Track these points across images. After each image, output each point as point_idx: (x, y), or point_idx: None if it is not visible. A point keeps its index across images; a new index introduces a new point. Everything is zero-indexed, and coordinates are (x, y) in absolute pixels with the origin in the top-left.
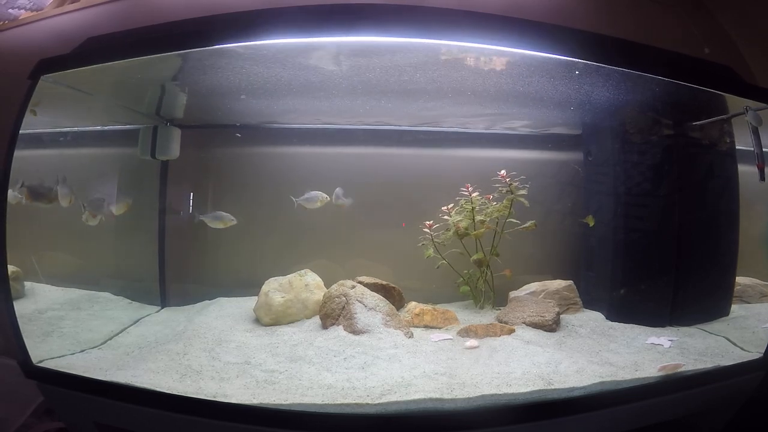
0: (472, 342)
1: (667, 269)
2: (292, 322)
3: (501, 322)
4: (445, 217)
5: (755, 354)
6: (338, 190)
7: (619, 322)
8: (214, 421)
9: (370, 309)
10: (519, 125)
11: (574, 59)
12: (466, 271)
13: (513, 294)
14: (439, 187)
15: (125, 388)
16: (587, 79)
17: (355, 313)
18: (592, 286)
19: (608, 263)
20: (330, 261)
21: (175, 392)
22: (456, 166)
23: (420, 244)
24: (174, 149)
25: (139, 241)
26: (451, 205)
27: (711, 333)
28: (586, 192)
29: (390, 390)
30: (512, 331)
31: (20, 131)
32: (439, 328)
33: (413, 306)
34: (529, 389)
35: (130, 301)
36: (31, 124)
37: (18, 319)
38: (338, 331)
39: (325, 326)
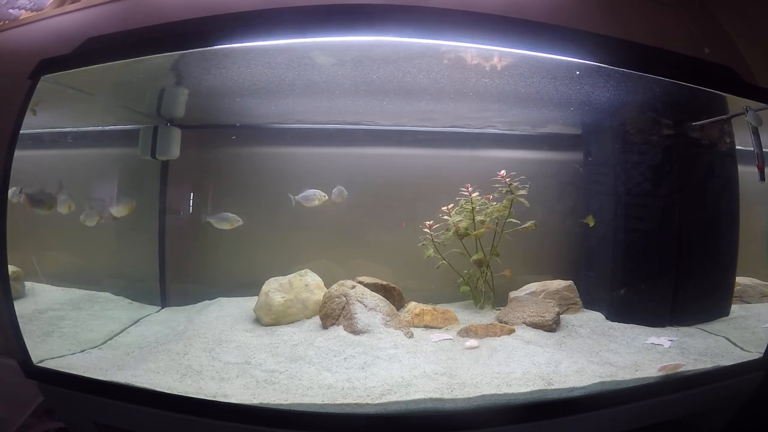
0: (472, 342)
1: (667, 269)
2: (292, 322)
3: (501, 322)
4: (445, 217)
5: (755, 354)
6: (336, 189)
7: (619, 322)
8: (215, 421)
9: (370, 309)
10: (519, 125)
11: (573, 59)
12: (466, 271)
13: (513, 294)
14: (439, 187)
15: (125, 388)
16: (587, 79)
17: (355, 313)
18: (592, 286)
19: (608, 263)
20: (330, 261)
21: (175, 392)
22: (456, 166)
23: (420, 244)
24: (174, 149)
25: (139, 241)
26: (451, 205)
27: (711, 333)
28: (586, 192)
29: (390, 390)
30: (512, 331)
31: (20, 131)
32: (439, 328)
33: (413, 306)
34: (529, 389)
35: (130, 301)
36: (31, 125)
37: (18, 319)
38: (338, 331)
39: (325, 326)
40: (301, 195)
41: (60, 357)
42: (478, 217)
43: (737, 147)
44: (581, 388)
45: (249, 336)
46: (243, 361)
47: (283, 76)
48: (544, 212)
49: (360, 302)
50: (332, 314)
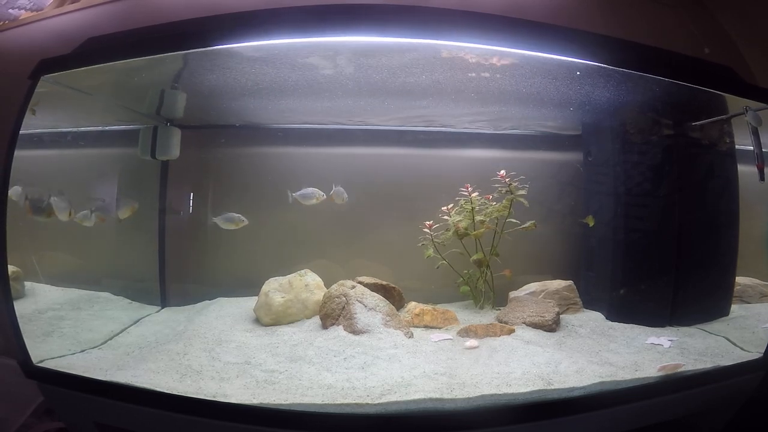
0: (472, 342)
1: (667, 269)
2: (292, 322)
3: (501, 322)
4: (445, 217)
5: (755, 354)
6: (337, 190)
7: (619, 322)
8: (214, 421)
9: (370, 309)
10: (519, 125)
11: (574, 60)
12: (466, 271)
13: (513, 294)
14: (439, 187)
15: (125, 388)
16: (588, 79)
17: (355, 313)
18: (592, 286)
19: (608, 263)
20: (330, 261)
21: (175, 392)
22: (456, 166)
23: (420, 244)
24: (174, 149)
25: (139, 241)
26: (451, 205)
27: (711, 333)
28: (586, 192)
29: (390, 390)
30: (512, 331)
31: (20, 131)
32: (439, 328)
33: (413, 306)
34: (529, 389)
35: (130, 301)
36: (31, 125)
37: (18, 319)
38: (338, 331)
39: (325, 326)
40: (299, 193)
41: (60, 357)
42: (478, 217)
43: (737, 147)
44: (581, 388)
45: (249, 336)
46: (243, 361)
47: (283, 76)
48: (543, 212)
49: (360, 302)
50: (332, 314)
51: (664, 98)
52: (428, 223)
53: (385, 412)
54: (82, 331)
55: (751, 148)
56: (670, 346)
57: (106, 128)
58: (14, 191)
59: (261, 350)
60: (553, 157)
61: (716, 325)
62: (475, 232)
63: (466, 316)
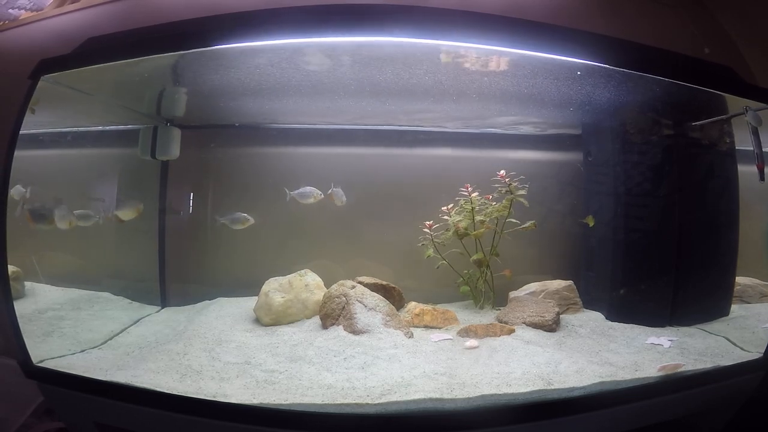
0: (472, 342)
1: (667, 269)
2: (292, 322)
3: (501, 322)
4: (445, 217)
5: (755, 354)
6: (336, 192)
7: (619, 322)
8: (215, 421)
9: (370, 309)
10: (519, 125)
11: (573, 60)
12: (466, 271)
13: (513, 294)
14: (439, 187)
15: (125, 388)
16: (588, 79)
17: (355, 313)
18: (592, 286)
19: (608, 263)
20: (330, 261)
21: (175, 392)
22: (456, 166)
23: (420, 244)
24: (174, 149)
25: (139, 241)
26: (451, 205)
27: (711, 333)
28: (586, 192)
29: (390, 390)
30: (512, 331)
31: (20, 131)
32: (439, 328)
33: (413, 306)
34: (529, 389)
35: (130, 301)
36: (31, 125)
37: (18, 319)
38: (338, 331)
39: (325, 326)
40: (296, 191)
41: (60, 357)
42: (478, 217)
43: (737, 147)
44: (581, 388)
45: (249, 336)
46: (243, 361)
47: (283, 76)
48: (543, 212)
49: (360, 302)
50: (332, 314)
51: (664, 98)
52: (428, 223)
53: (385, 412)
54: (82, 331)
55: (752, 148)
56: (670, 346)
57: (106, 128)
58: (16, 191)
59: (261, 350)
60: (553, 157)
61: (716, 325)
62: (475, 232)
63: (466, 316)
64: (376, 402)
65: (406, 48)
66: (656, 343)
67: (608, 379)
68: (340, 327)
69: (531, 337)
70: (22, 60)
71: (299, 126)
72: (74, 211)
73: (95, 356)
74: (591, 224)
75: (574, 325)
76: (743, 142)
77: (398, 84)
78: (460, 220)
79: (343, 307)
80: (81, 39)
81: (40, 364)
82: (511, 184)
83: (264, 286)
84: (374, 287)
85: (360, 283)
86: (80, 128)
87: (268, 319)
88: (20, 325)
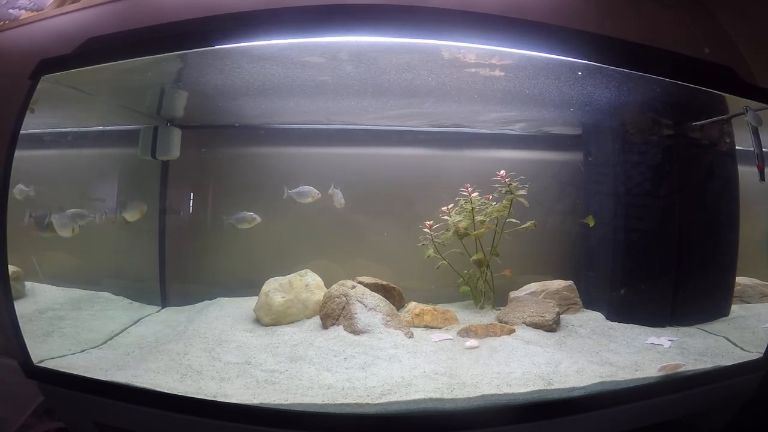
0: (472, 342)
1: (667, 269)
2: (293, 322)
3: (501, 322)
4: (445, 217)
5: (755, 354)
6: (336, 195)
7: (619, 322)
8: (215, 421)
9: (371, 309)
10: (519, 125)
11: (573, 60)
12: (466, 271)
13: (513, 294)
14: (439, 187)
15: (126, 388)
16: (588, 79)
17: (356, 313)
18: (592, 286)
19: (608, 263)
20: (330, 261)
21: (175, 392)
22: (456, 166)
23: (420, 244)
24: (174, 149)
25: (139, 241)
26: (451, 205)
27: (711, 333)
28: (586, 192)
29: (390, 390)
30: (512, 331)
31: (21, 131)
32: (439, 328)
33: (413, 306)
34: (529, 389)
35: (130, 301)
36: (31, 125)
37: (18, 319)
38: (338, 331)
39: (325, 326)
40: (295, 190)
41: (60, 357)
42: (478, 217)
43: (737, 147)
44: (581, 388)
45: (249, 336)
46: (243, 361)
47: (283, 76)
48: (544, 212)
49: (360, 302)
50: (332, 314)
51: (664, 98)
52: (428, 223)
53: (386, 412)
54: (82, 331)
55: (752, 148)
56: (670, 346)
57: (107, 128)
58: (18, 190)
59: (261, 350)
60: (553, 157)
61: (716, 325)
62: (475, 232)
63: (466, 316)
64: (377, 402)
65: (407, 47)
66: (656, 343)
67: (608, 379)
68: (341, 327)
69: (531, 337)
70: (22, 60)
71: (299, 126)
72: (68, 210)
73: (95, 356)
74: (591, 224)
75: (574, 325)
76: (743, 142)
77: (400, 84)
78: (460, 220)
79: (344, 307)
80: (81, 39)
81: (40, 364)
82: (511, 184)
83: (264, 286)
84: (374, 287)
85: (360, 283)
86: (80, 128)
87: (269, 319)
88: (20, 324)
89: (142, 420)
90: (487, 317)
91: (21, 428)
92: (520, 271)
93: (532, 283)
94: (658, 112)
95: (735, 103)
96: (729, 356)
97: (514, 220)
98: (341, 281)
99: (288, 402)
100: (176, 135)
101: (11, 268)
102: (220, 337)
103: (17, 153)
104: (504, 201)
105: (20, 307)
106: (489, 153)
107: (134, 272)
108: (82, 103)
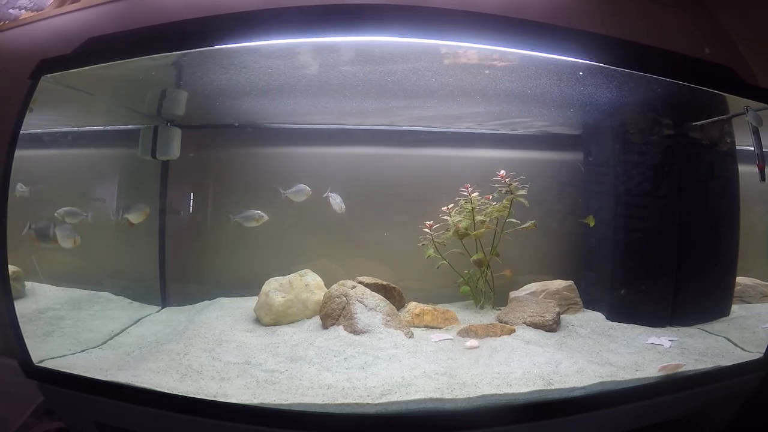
0: (472, 342)
1: (668, 269)
2: (293, 322)
3: (501, 322)
4: (445, 217)
5: (755, 354)
6: (336, 200)
7: (620, 322)
8: (215, 421)
9: (371, 309)
10: (519, 125)
11: (574, 60)
12: (466, 271)
13: (513, 294)
14: (439, 187)
15: (126, 387)
16: (589, 79)
17: (356, 313)
18: (593, 286)
19: (609, 263)
20: (330, 261)
21: (175, 392)
22: (456, 166)
23: (420, 244)
24: (174, 149)
25: (139, 241)
26: (451, 205)
27: (711, 333)
28: (586, 192)
29: (390, 390)
30: (512, 331)
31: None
32: (440, 328)
33: (413, 306)
34: (529, 389)
35: (130, 301)
36: (31, 125)
37: (18, 319)
38: (338, 331)
39: (325, 326)
40: (291, 190)
41: (60, 357)
42: (478, 217)
43: (737, 147)
44: (581, 388)
45: (249, 336)
46: (243, 361)
47: (283, 76)
48: (544, 212)
49: (360, 302)
50: (332, 314)
51: (665, 98)
52: (428, 223)
53: (386, 412)
54: (82, 331)
55: (752, 148)
56: (670, 346)
57: (107, 128)
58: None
59: (261, 350)
60: (554, 157)
61: (717, 325)
62: (475, 232)
63: (466, 316)
64: (377, 402)
65: (407, 47)
66: (657, 343)
67: (609, 379)
68: (341, 327)
69: (531, 337)
70: (22, 60)
71: (299, 126)
72: (61, 209)
73: (95, 356)
74: (591, 224)
75: (574, 325)
76: (743, 142)
77: (400, 84)
78: (461, 220)
79: (344, 307)
80: (81, 39)
81: (40, 364)
82: (511, 184)
83: (264, 286)
84: (374, 287)
85: (360, 283)
86: (80, 128)
87: (269, 319)
88: (20, 324)
89: (142, 420)
90: (488, 317)
91: (21, 428)
92: (520, 271)
93: (533, 283)
94: (659, 112)
95: (735, 103)
96: (729, 356)
97: (514, 220)
98: (341, 281)
99: (288, 402)
100: (176, 135)
101: (11, 268)
102: (220, 337)
103: (17, 153)
104: (504, 201)
105: (20, 307)
106: (489, 153)
107: (134, 272)
108: (82, 103)
